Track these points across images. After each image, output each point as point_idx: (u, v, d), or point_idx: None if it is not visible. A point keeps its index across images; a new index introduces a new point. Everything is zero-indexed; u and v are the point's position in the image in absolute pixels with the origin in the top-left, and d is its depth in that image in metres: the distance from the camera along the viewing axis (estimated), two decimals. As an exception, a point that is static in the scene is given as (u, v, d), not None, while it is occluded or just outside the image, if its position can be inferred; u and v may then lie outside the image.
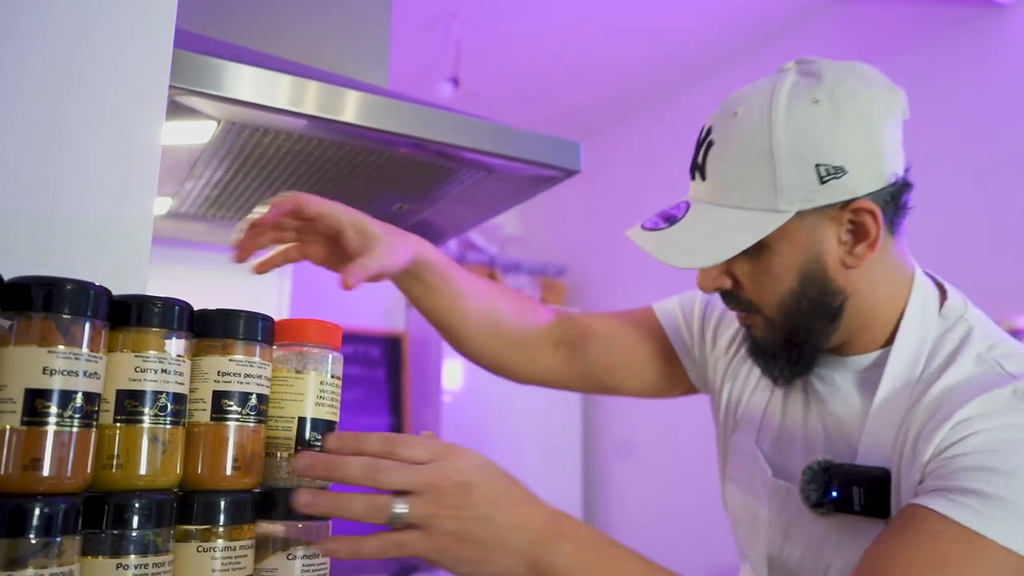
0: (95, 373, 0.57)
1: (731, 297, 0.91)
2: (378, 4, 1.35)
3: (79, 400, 0.55)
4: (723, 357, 1.04)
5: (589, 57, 3.05)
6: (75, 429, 0.55)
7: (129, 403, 0.60)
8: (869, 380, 0.87)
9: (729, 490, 1.01)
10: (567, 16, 2.77)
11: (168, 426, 0.61)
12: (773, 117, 0.82)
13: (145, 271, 0.75)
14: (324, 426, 0.71)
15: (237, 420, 0.66)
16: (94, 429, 0.57)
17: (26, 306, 0.55)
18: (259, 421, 0.67)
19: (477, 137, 1.14)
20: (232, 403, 0.66)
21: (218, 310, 0.67)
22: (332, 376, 0.73)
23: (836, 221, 0.84)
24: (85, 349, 0.56)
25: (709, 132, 0.87)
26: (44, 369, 0.54)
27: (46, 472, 0.53)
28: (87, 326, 0.56)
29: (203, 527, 0.63)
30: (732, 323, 1.03)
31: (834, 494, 0.83)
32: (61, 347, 0.55)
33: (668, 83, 3.24)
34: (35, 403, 0.54)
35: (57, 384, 0.54)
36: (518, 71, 3.16)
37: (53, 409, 0.54)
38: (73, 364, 0.55)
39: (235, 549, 0.64)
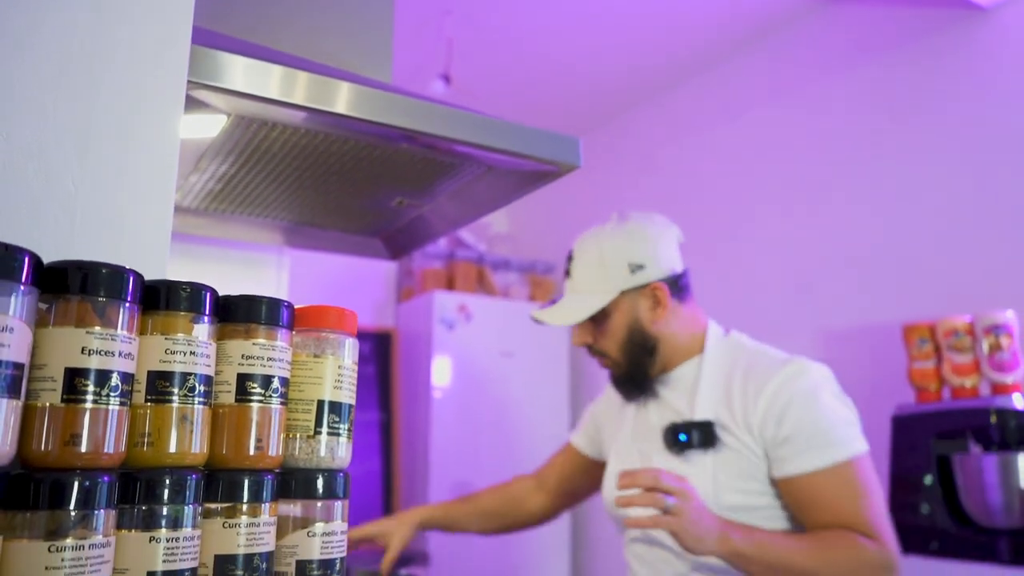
0: (130, 354, 0.59)
1: (593, 350, 1.48)
2: (381, 2, 1.38)
3: (115, 379, 0.57)
4: (607, 418, 1.62)
5: (580, 54, 3.08)
6: (112, 407, 0.57)
7: (160, 383, 0.62)
8: (689, 378, 1.45)
9: (606, 487, 1.52)
10: (560, 13, 2.80)
11: (197, 406, 0.63)
12: (601, 240, 1.46)
13: (165, 260, 0.77)
14: (343, 409, 0.74)
15: (260, 402, 0.68)
16: (128, 408, 0.59)
17: (63, 289, 0.57)
18: (281, 403, 0.70)
19: (478, 132, 1.16)
20: (256, 385, 0.68)
21: (241, 296, 0.69)
22: (350, 361, 0.76)
23: (644, 295, 1.44)
24: (120, 331, 0.58)
25: (571, 252, 1.49)
26: (83, 349, 0.56)
27: (84, 448, 0.56)
28: (122, 308, 0.59)
29: (227, 504, 0.65)
30: (600, 401, 1.67)
31: (683, 437, 1.35)
32: (98, 328, 0.57)
33: (660, 80, 3.28)
34: (74, 381, 0.56)
35: (95, 364, 0.56)
36: (508, 68, 3.19)
37: (91, 388, 0.56)
38: (109, 345, 0.57)
39: (258, 526, 0.66)
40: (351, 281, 3.39)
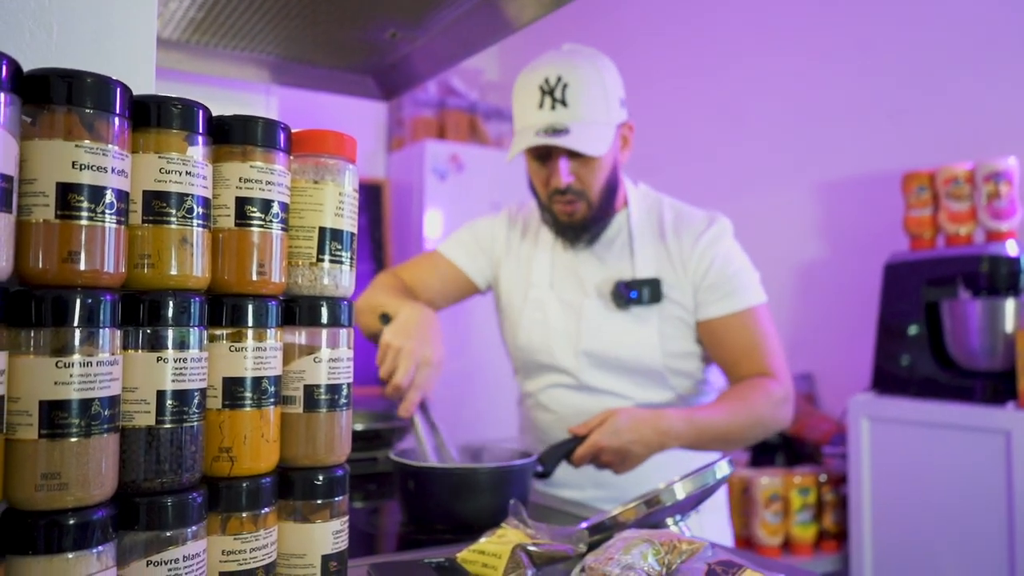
0: (123, 171, 0.57)
1: (571, 190, 1.38)
2: None
3: (110, 196, 0.55)
4: (506, 252, 1.54)
5: None
6: (108, 225, 0.55)
7: (156, 204, 0.60)
8: (619, 233, 1.46)
9: (523, 334, 1.48)
10: None
11: (196, 228, 0.61)
12: (599, 68, 1.36)
13: (152, 77, 0.73)
14: (345, 237, 0.72)
15: (260, 226, 0.66)
16: (125, 227, 0.57)
17: (47, 99, 0.54)
18: (282, 229, 0.68)
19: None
20: (255, 209, 0.66)
21: (236, 116, 0.66)
22: (351, 188, 0.73)
23: (621, 133, 1.42)
24: (112, 145, 0.55)
25: (560, 79, 1.33)
26: (73, 164, 0.54)
27: (83, 266, 0.54)
28: (111, 122, 0.55)
29: (233, 329, 0.65)
30: (516, 228, 1.56)
31: (634, 295, 1.39)
32: (87, 142, 0.54)
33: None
34: (67, 197, 0.53)
35: (87, 179, 0.54)
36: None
37: (85, 204, 0.54)
38: (101, 160, 0.55)
39: (265, 350, 0.66)
40: (340, 129, 3.30)
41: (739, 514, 2.22)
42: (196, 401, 0.61)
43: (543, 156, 1.38)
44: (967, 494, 1.80)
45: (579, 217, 1.41)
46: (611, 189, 1.41)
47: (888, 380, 2.03)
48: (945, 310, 1.91)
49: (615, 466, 1.24)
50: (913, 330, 1.99)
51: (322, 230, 0.71)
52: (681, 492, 0.93)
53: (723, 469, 0.97)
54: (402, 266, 1.59)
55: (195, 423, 0.61)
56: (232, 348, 0.65)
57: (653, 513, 0.92)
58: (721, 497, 1.50)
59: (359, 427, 1.61)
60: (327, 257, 0.71)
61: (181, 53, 1.39)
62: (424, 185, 3.17)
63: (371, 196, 3.37)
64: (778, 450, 2.34)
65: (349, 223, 0.73)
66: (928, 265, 1.96)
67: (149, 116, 0.60)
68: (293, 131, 0.71)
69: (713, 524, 1.44)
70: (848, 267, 2.45)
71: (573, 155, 1.35)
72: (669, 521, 0.95)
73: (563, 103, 1.32)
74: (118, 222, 0.56)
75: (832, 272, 2.50)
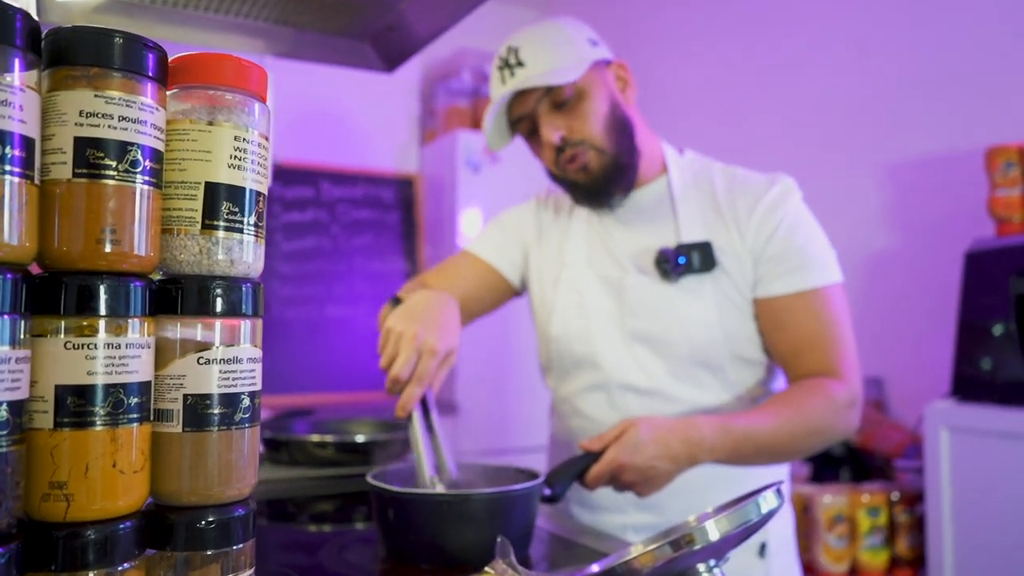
0: None
1: (568, 143, 1.22)
2: None
3: None
4: (537, 237, 1.39)
5: None
6: None
7: (-61, 141, 0.42)
8: (658, 199, 1.29)
9: (558, 321, 1.31)
10: None
11: (9, 177, 0.44)
12: (559, 23, 1.25)
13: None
14: (245, 196, 0.54)
15: (113, 178, 0.48)
16: None
17: None
18: (149, 184, 0.50)
19: None
20: (104, 155, 0.48)
21: (79, 27, 0.49)
22: (257, 134, 0.55)
23: (612, 73, 1.26)
24: None
25: (510, 48, 1.22)
26: None
27: None
28: None
29: (75, 319, 0.47)
30: (547, 210, 1.42)
31: (682, 260, 1.21)
32: None
33: None
34: None
35: None
36: None
37: None
38: None
39: (121, 348, 0.48)
40: (371, 126, 3.17)
41: (799, 536, 1.99)
42: (4, 418, 0.44)
43: (533, 132, 1.24)
44: (1069, 518, 1.55)
45: (594, 168, 1.23)
46: (620, 129, 1.23)
47: (970, 385, 1.78)
48: (1039, 304, 1.66)
49: (638, 487, 1.03)
50: (1000, 327, 1.74)
51: (211, 186, 0.53)
52: (715, 531, 0.72)
53: (770, 502, 0.76)
54: (428, 272, 1.43)
55: (4, 449, 0.44)
56: (70, 345, 0.47)
57: (680, 558, 0.72)
58: (788, 530, 1.27)
59: (360, 438, 1.43)
60: (221, 223, 0.53)
61: (151, 18, 1.24)
62: (456, 178, 3.00)
63: (403, 191, 3.22)
64: (843, 464, 2.10)
65: (252, 179, 0.55)
66: (1018, 252, 1.72)
67: (-68, 19, 0.43)
68: (177, 56, 0.54)
69: (781, 569, 1.21)
70: (923, 257, 2.20)
71: (555, 108, 1.21)
72: (701, 568, 0.75)
73: (520, 64, 1.21)
74: None
75: (905, 263, 2.26)
